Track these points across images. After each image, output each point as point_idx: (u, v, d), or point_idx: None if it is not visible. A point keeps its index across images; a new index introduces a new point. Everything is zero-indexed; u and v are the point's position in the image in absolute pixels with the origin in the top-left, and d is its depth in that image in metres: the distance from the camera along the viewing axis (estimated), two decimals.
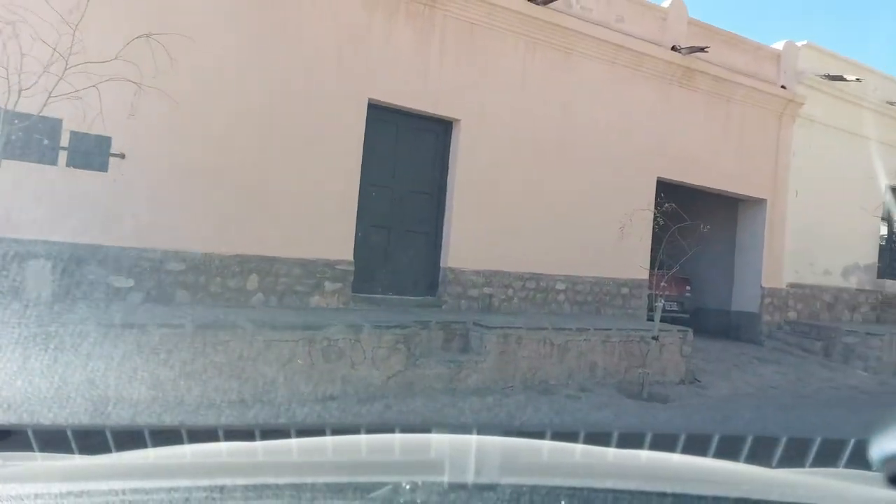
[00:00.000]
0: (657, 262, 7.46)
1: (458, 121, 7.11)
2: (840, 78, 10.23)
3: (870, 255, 11.62)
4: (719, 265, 10.64)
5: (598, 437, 1.49)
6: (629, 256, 8.11)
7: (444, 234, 7.03)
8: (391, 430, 1.41)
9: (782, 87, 10.02)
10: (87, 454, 1.33)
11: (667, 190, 8.68)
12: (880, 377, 8.98)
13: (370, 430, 1.41)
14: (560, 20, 7.65)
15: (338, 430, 1.40)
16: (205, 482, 0.98)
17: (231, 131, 5.63)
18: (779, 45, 10.12)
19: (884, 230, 12.10)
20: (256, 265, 5.68)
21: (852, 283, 11.29)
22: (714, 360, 8.34)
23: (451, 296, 6.93)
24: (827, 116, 10.67)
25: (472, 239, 7.08)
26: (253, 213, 5.71)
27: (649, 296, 8.84)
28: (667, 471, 1.25)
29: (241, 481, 1.00)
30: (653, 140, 8.77)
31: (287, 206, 5.89)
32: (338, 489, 0.99)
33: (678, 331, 7.29)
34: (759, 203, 10.23)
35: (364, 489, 0.97)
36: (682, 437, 1.92)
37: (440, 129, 7.15)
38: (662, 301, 6.71)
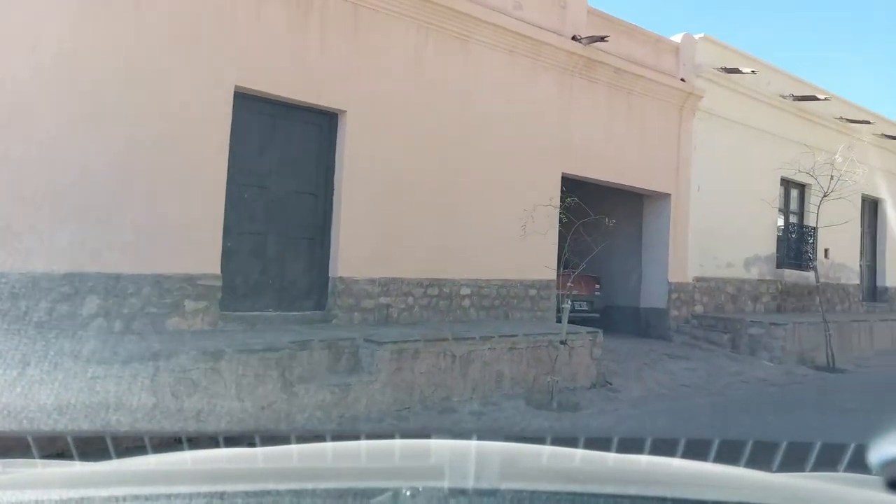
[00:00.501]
0: (563, 260, 7.04)
1: (344, 112, 6.39)
2: (736, 70, 10.32)
3: (769, 246, 11.86)
4: (628, 262, 10.48)
5: (597, 443, 1.48)
6: (535, 256, 7.66)
7: (332, 239, 6.28)
8: (391, 436, 1.43)
9: (681, 80, 9.97)
10: (88, 461, 1.31)
11: (573, 186, 8.34)
12: (785, 367, 9.04)
13: (370, 437, 1.41)
14: (454, 4, 7.10)
15: (338, 437, 1.38)
16: (205, 488, 0.99)
17: (58, 120, 4.66)
18: (677, 38, 10.08)
19: (781, 221, 12.43)
20: (95, 284, 4.72)
21: (754, 274, 11.47)
22: (625, 360, 8.06)
23: (343, 309, 6.20)
24: (725, 110, 10.76)
25: (365, 244, 6.38)
26: (89, 221, 4.74)
27: (558, 296, 8.47)
28: (667, 475, 1.24)
29: (241, 487, 1.01)
30: (556, 134, 8.40)
31: (134, 212, 4.96)
32: (338, 495, 1.00)
33: (588, 332, 6.90)
34: (663, 198, 10.13)
35: (364, 495, 0.97)
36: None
37: (325, 122, 6.41)
38: (570, 302, 6.28)
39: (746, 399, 6.96)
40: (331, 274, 6.23)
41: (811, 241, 12.73)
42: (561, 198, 7.34)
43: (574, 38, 8.37)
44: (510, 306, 7.80)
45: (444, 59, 7.19)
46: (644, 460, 1.33)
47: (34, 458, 1.54)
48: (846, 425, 5.45)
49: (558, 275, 7.63)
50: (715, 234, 10.70)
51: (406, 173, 6.74)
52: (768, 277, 11.73)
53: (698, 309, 10.38)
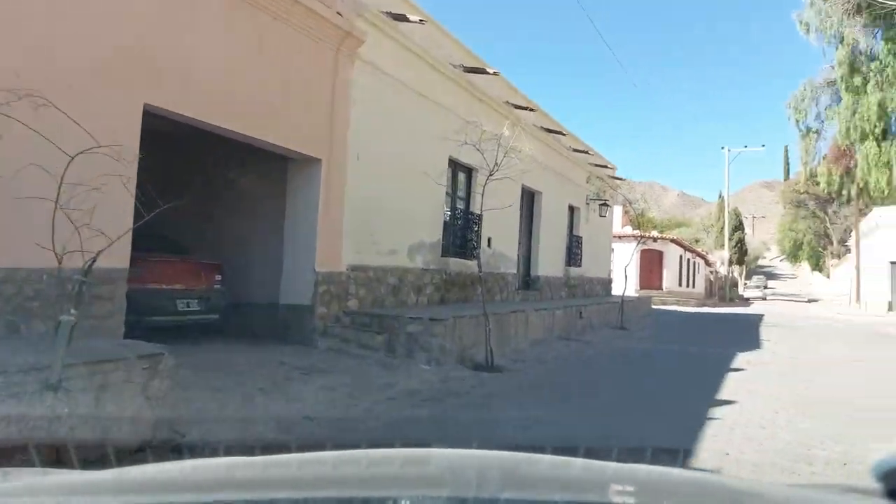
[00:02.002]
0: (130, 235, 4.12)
1: None
2: (403, 18, 8.65)
3: (435, 233, 10.69)
4: (268, 246, 8.04)
5: (597, 452, 1.47)
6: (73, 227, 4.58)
7: None
8: (391, 445, 1.40)
9: (338, 14, 7.85)
10: (88, 469, 1.32)
11: (181, 136, 5.53)
12: (444, 370, 7.62)
13: (370, 445, 1.41)
14: None
15: (339, 445, 1.39)
16: (206, 497, 1.00)
17: None
18: None
19: (448, 207, 11.43)
20: None
21: (418, 262, 10.11)
22: (232, 386, 5.53)
23: None
24: (392, 67, 9.06)
25: None
26: None
27: (136, 293, 5.54)
28: (668, 485, 1.24)
29: (242, 496, 1.03)
30: (134, 41, 5.41)
31: None
32: None
33: (140, 358, 4.13)
34: (312, 164, 7.91)
35: None
36: None
37: None
38: (73, 314, 3.39)
39: (386, 433, 5.04)
40: None
41: (476, 228, 12.06)
42: (144, 147, 4.40)
43: None
44: (29, 313, 4.58)
45: None
46: (644, 469, 1.34)
47: (35, 466, 1.52)
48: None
49: (139, 260, 4.73)
50: (377, 214, 8.95)
51: None
52: (433, 266, 10.53)
53: (353, 304, 8.47)
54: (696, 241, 62.37)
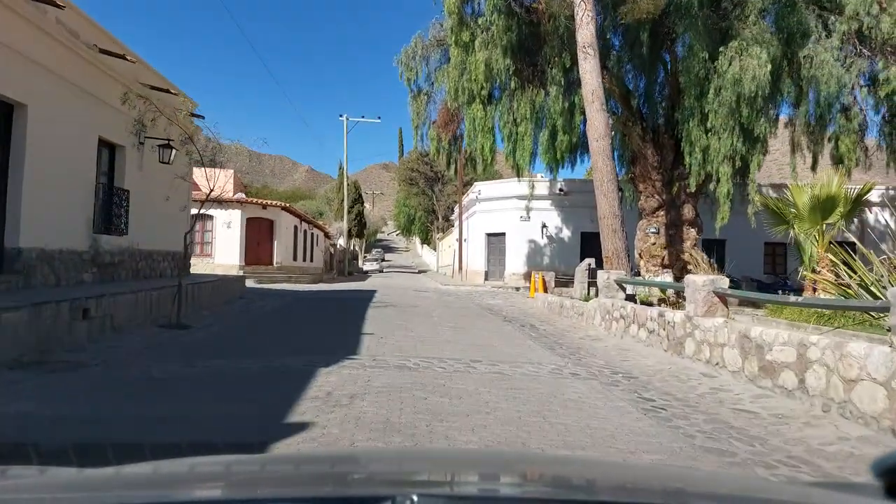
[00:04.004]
0: None
1: None
2: None
3: None
4: None
5: None
6: None
7: None
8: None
9: None
10: (87, 467, 1.24)
11: None
12: None
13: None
14: None
15: None
16: (205, 495, 0.97)
17: None
18: None
19: None
20: None
21: None
22: None
23: None
24: None
25: None
26: None
27: None
28: (669, 481, 1.20)
29: (240, 494, 0.98)
30: None
31: None
32: (338, 503, 0.96)
33: None
34: None
35: (364, 502, 0.94)
36: None
37: None
38: None
39: None
40: None
41: None
42: None
43: None
44: None
45: None
46: (645, 466, 1.38)
47: (33, 464, 1.46)
48: None
49: None
50: None
51: None
52: None
53: None
54: (321, 214, 60.76)
